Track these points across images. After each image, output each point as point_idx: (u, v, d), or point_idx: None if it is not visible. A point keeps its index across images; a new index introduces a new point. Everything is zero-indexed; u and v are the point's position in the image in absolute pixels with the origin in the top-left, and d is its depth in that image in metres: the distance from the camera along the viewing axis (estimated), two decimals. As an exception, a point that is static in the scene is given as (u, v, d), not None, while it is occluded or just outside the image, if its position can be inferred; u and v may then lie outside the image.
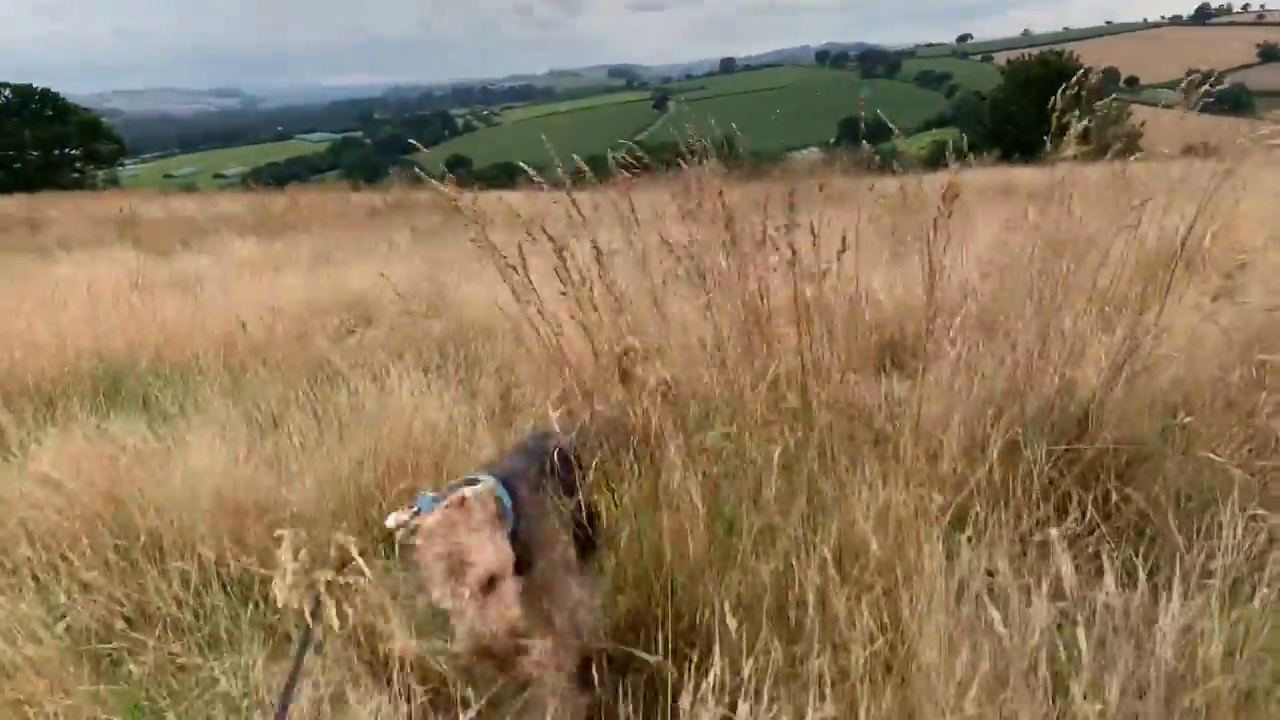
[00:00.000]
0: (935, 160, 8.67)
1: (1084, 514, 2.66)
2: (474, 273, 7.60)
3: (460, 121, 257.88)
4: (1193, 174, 3.07)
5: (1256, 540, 2.37)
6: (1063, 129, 2.97)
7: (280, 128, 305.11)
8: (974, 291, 3.88)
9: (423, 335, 6.02)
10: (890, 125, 3.70)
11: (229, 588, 2.84)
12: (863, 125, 3.46)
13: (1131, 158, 3.34)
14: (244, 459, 3.42)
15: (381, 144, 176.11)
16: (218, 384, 4.70)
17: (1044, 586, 1.94)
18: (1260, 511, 2.38)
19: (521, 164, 3.13)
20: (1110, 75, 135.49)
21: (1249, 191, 4.66)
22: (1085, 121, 2.94)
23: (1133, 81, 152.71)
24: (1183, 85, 3.06)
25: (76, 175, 46.38)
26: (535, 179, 3.06)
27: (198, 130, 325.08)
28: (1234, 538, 2.28)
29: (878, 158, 4.24)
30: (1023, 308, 3.12)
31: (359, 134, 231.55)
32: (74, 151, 47.82)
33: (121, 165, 56.98)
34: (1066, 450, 2.74)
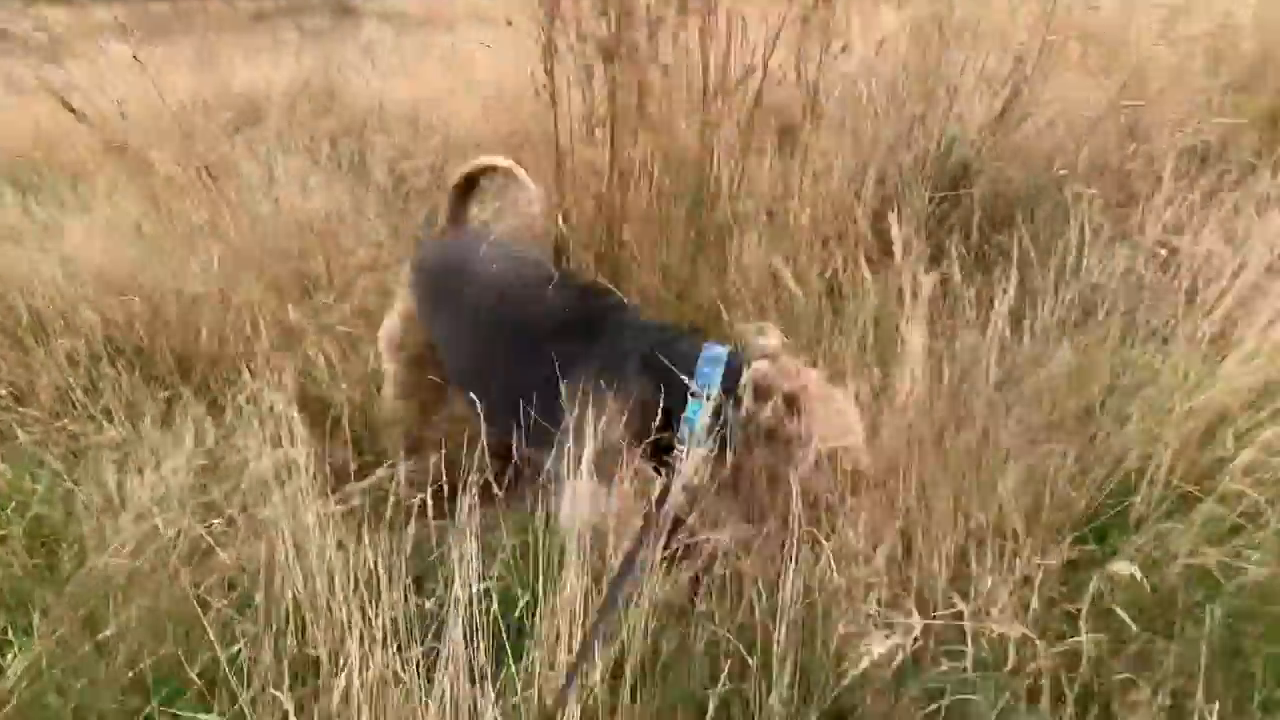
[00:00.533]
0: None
1: (958, 260, 2.77)
2: (365, 69, 7.35)
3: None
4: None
5: (1113, 276, 2.53)
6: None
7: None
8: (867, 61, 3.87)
9: (313, 130, 5.82)
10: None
11: (116, 363, 2.81)
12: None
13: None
14: (128, 242, 3.34)
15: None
16: (100, 177, 4.51)
17: (915, 323, 2.04)
18: (1119, 248, 2.52)
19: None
20: None
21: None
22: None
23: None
24: None
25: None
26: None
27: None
28: (1089, 271, 2.41)
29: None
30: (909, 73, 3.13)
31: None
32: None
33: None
34: (944, 200, 2.82)
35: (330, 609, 1.69)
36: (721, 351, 1.96)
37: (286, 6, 17.50)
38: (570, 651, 1.63)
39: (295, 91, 7.15)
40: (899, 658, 1.31)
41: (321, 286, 3.27)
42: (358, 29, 12.34)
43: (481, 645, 1.61)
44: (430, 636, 1.63)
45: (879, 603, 1.46)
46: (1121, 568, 1.36)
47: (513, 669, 1.64)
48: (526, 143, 3.39)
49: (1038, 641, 1.37)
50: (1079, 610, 1.47)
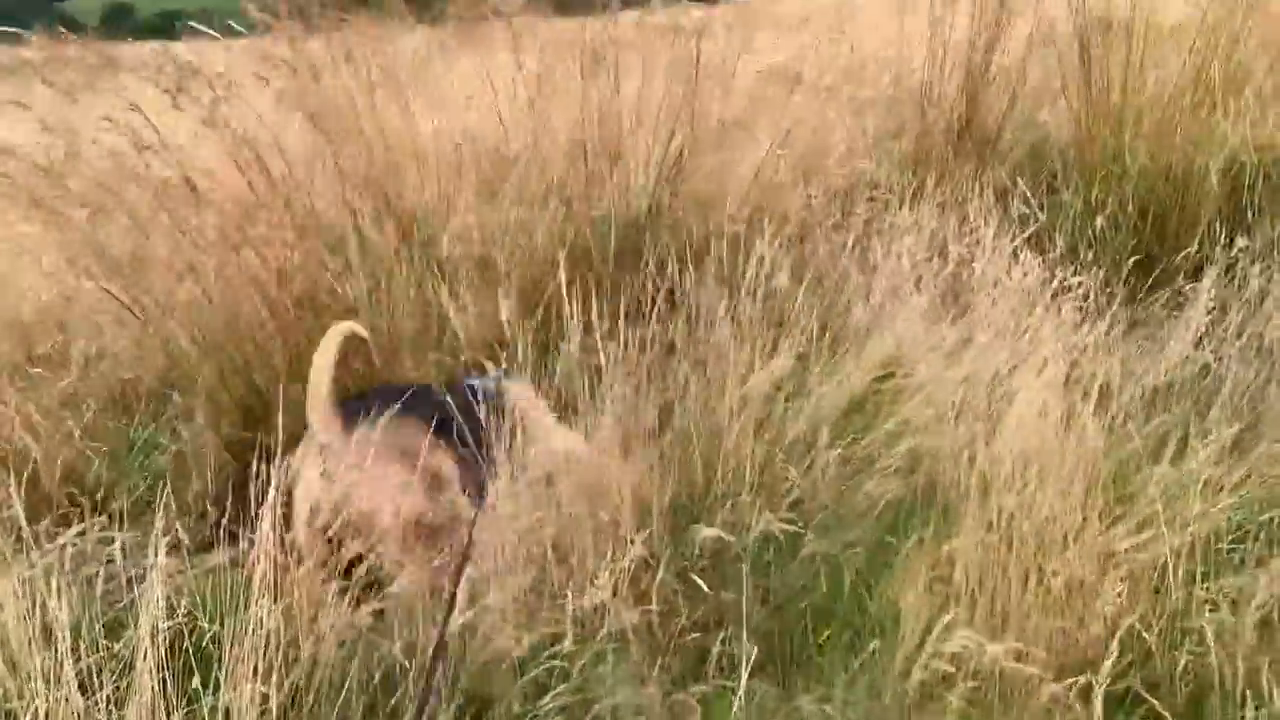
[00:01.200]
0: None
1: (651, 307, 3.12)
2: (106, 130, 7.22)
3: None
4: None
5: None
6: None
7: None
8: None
9: (51, 197, 5.68)
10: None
11: None
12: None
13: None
14: None
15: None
16: None
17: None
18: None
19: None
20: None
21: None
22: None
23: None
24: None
25: None
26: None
27: None
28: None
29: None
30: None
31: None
32: None
33: None
34: (631, 253, 3.17)
35: (26, 663, 1.81)
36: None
37: (43, 60, 16.60)
38: (257, 677, 1.82)
39: (33, 155, 6.91)
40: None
41: (48, 360, 3.29)
42: (116, 84, 11.85)
43: (168, 679, 1.76)
44: (121, 676, 1.78)
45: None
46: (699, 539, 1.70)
47: (203, 698, 1.80)
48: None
49: (624, 610, 1.70)
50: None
